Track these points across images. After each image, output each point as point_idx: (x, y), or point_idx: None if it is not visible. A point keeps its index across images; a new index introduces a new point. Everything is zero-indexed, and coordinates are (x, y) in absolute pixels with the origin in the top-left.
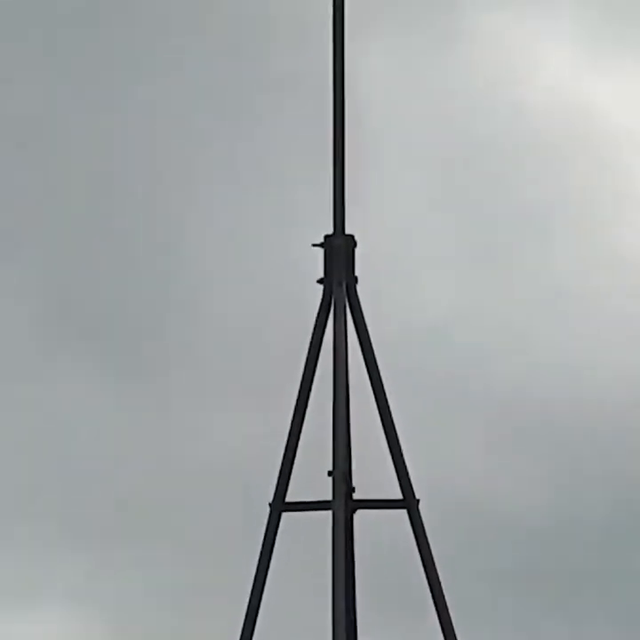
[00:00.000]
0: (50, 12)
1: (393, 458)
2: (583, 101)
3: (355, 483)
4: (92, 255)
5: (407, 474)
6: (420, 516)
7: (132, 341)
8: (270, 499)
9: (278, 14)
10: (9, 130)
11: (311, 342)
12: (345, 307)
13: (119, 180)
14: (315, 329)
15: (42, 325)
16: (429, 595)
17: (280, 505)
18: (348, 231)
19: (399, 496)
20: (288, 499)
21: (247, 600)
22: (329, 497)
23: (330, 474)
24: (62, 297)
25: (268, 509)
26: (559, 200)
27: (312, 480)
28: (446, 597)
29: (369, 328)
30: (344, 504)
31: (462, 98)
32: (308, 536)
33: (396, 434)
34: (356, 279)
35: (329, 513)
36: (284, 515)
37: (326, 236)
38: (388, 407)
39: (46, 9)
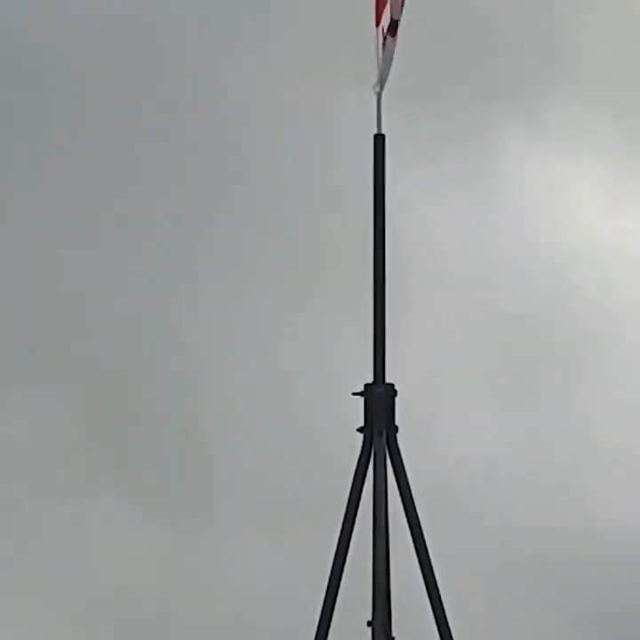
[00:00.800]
0: None
1: (433, 608)
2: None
3: (394, 633)
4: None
5: (447, 624)
6: None
7: (175, 485)
8: None
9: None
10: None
11: (351, 493)
12: (385, 456)
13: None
14: (354, 479)
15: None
16: None
17: None
18: (387, 380)
19: None
20: None
21: None
22: None
23: (369, 624)
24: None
25: None
26: (595, 345)
27: (351, 630)
28: None
29: (409, 476)
30: None
31: (502, 244)
32: None
33: (436, 583)
34: (396, 428)
35: None
36: None
37: (366, 385)
38: (429, 557)
39: None
